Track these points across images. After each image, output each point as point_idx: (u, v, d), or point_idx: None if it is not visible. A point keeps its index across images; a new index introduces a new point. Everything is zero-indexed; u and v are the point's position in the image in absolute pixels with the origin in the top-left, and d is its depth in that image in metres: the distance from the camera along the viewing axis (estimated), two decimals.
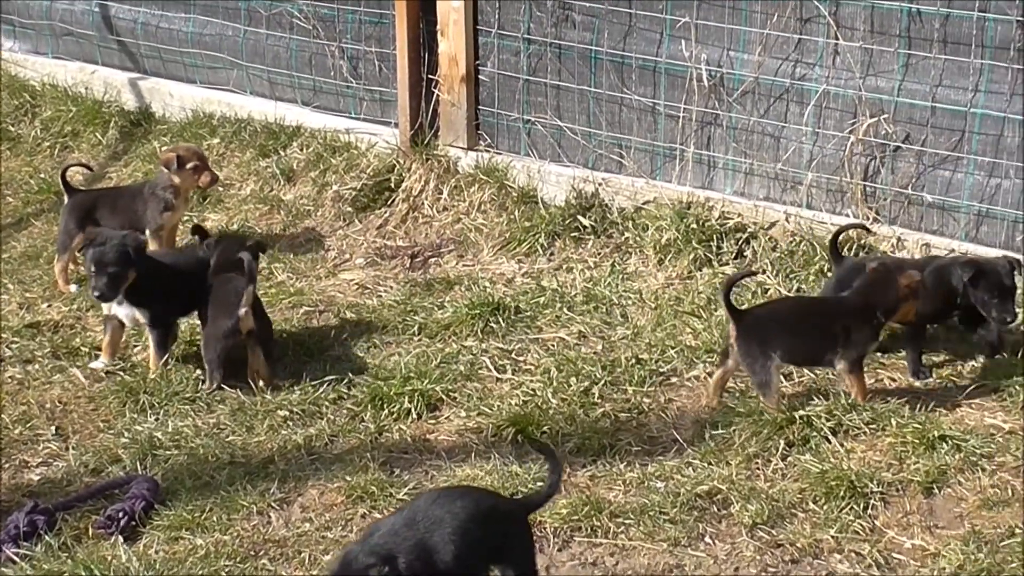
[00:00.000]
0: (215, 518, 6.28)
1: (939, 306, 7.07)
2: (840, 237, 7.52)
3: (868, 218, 8.01)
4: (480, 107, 9.17)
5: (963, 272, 6.93)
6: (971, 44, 7.68)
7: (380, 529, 5.22)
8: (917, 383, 7.00)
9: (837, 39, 8.01)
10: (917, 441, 6.53)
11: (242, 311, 7.20)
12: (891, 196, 8.02)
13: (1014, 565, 5.75)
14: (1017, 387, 6.91)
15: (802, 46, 8.15)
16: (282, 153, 9.50)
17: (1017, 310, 7.04)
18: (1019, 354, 7.10)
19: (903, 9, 7.80)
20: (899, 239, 7.92)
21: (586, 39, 8.75)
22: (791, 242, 8.07)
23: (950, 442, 6.52)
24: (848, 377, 6.78)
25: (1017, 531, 6.00)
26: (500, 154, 9.11)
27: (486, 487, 6.19)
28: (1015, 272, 6.97)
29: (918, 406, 6.81)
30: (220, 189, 9.32)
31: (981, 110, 7.72)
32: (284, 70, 9.92)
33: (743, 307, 7.03)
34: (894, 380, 7.09)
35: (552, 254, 8.47)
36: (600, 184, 8.71)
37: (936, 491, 6.29)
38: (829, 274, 7.59)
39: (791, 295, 7.64)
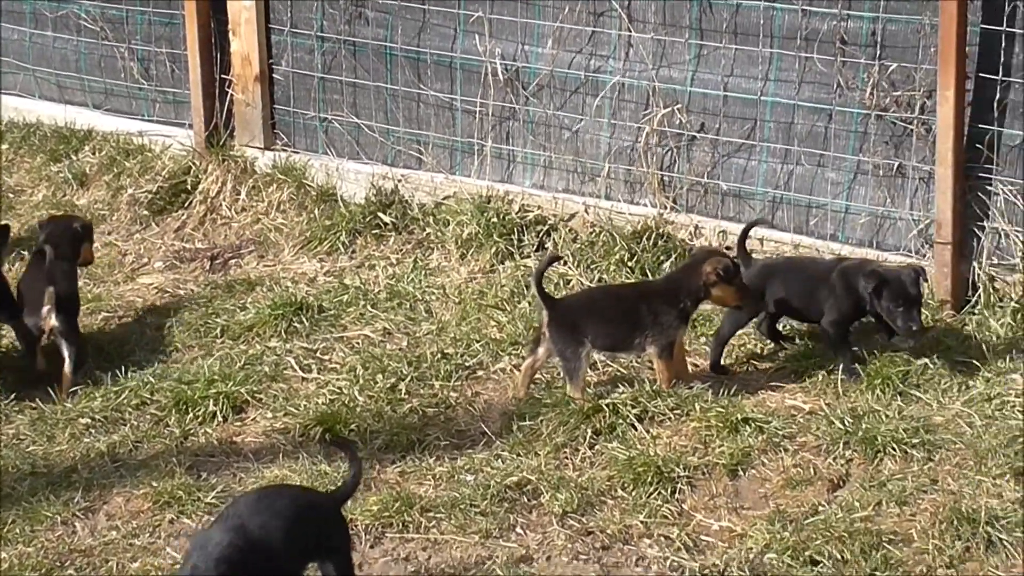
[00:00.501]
0: (17, 530, 6.12)
1: (850, 308, 6.97)
2: (748, 234, 7.41)
3: (665, 207, 8.09)
4: (276, 106, 9.09)
5: (866, 283, 6.82)
6: (759, 34, 7.81)
7: (211, 540, 5.10)
8: (851, 382, 6.88)
9: (630, 31, 8.09)
10: (721, 425, 6.61)
11: (44, 309, 7.06)
12: (687, 185, 8.11)
13: (818, 542, 5.85)
14: (815, 369, 7.02)
15: (595, 39, 8.21)
16: (74, 157, 9.32)
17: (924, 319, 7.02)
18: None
19: (693, 0, 7.88)
20: (696, 227, 8.03)
21: (380, 35, 8.71)
22: (591, 233, 8.13)
23: (753, 424, 6.61)
24: (656, 362, 6.84)
25: (820, 509, 6.11)
26: (298, 153, 9.04)
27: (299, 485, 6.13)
28: (919, 281, 6.84)
29: (721, 390, 6.89)
30: (11, 196, 9.09)
31: (772, 98, 7.86)
32: (73, 73, 9.72)
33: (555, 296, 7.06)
34: (696, 365, 7.17)
35: (354, 252, 8.41)
36: (400, 180, 8.69)
37: (741, 473, 6.37)
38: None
39: (603, 284, 7.65)
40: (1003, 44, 7.27)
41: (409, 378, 7.11)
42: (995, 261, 7.38)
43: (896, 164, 7.61)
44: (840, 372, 6.89)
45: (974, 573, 5.70)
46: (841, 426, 6.55)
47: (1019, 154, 7.34)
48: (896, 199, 7.64)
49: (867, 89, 7.58)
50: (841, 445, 6.45)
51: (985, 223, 7.41)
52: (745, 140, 7.95)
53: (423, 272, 8.16)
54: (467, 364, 7.26)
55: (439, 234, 8.34)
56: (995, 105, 7.33)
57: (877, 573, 5.72)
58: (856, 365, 6.92)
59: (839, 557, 5.79)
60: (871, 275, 6.84)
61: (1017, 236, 7.31)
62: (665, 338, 6.81)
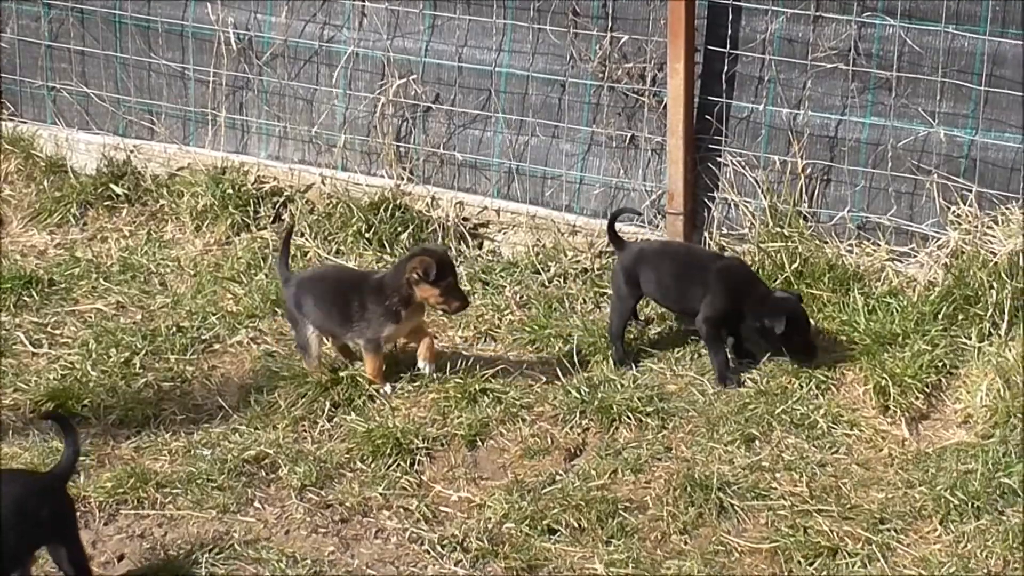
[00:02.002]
0: None
1: (729, 308, 6.69)
2: (616, 221, 7.13)
3: (402, 178, 8.00)
4: (1, 75, 8.70)
5: (775, 324, 6.51)
6: (493, 5, 7.75)
7: None
8: (724, 389, 6.65)
9: (363, 1, 7.95)
10: (459, 396, 6.56)
11: None
12: (424, 156, 8.03)
13: (556, 511, 5.86)
14: (553, 339, 7.01)
15: (328, 8, 8.06)
16: None
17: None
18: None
19: None
20: (433, 198, 7.95)
21: (109, 3, 8.43)
22: (328, 204, 7.99)
23: (491, 395, 6.58)
24: (364, 354, 6.62)
25: (557, 478, 6.11)
26: (25, 123, 8.69)
27: (23, 467, 5.89)
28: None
29: (459, 361, 6.83)
30: None
31: (506, 69, 7.81)
32: None
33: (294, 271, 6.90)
34: (435, 337, 7.09)
35: (85, 224, 8.13)
36: (132, 151, 8.43)
37: (480, 444, 6.34)
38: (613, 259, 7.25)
39: (342, 265, 7.48)
40: (730, 17, 7.35)
41: (144, 352, 6.90)
42: (725, 231, 7.46)
43: (629, 135, 7.64)
44: (715, 378, 6.66)
45: (707, 538, 5.77)
46: (578, 395, 6.56)
47: (747, 126, 7.44)
48: (629, 170, 7.67)
49: (599, 61, 7.58)
50: (578, 414, 6.47)
51: (715, 194, 7.50)
52: (480, 111, 7.90)
53: (157, 244, 7.93)
54: (203, 337, 7.08)
55: (173, 206, 8.11)
56: (723, 77, 7.41)
57: (613, 540, 5.74)
58: (729, 370, 6.67)
59: (576, 525, 5.80)
60: (777, 314, 6.54)
61: (746, 206, 7.40)
62: (372, 332, 6.52)
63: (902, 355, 6.60)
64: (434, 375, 6.61)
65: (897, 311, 6.86)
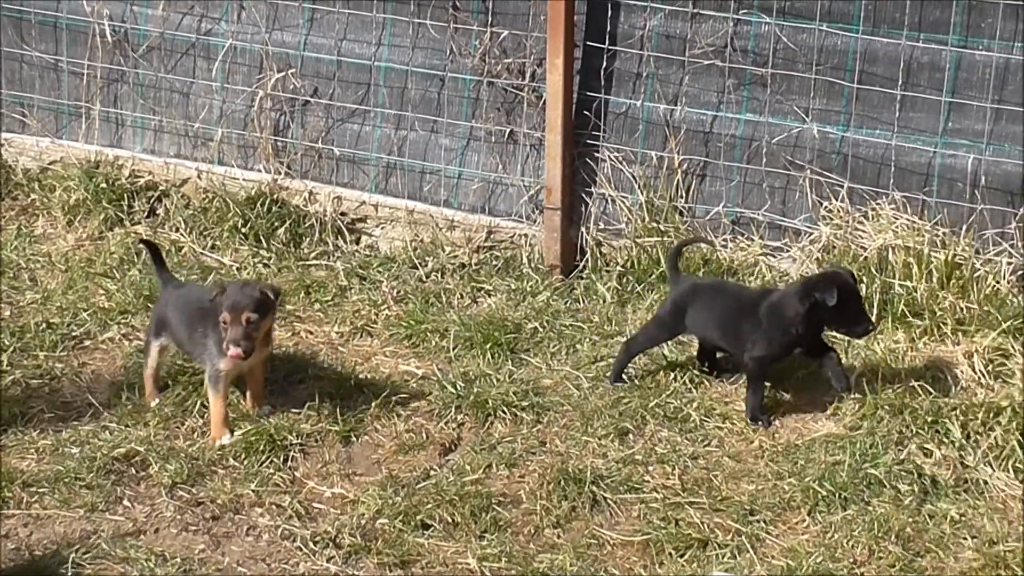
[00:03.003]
0: None
1: (780, 345, 6.42)
2: (681, 251, 6.95)
3: (279, 173, 8.01)
4: None
5: (826, 295, 6.24)
6: None
7: None
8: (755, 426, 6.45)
9: None
10: (335, 391, 6.59)
11: None
12: (302, 150, 8.05)
13: (430, 506, 5.90)
14: (429, 334, 7.06)
15: (206, 1, 8.05)
16: None
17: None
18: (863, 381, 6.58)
19: None
20: (311, 193, 7.98)
21: None
22: (204, 199, 8.00)
23: (367, 390, 6.61)
24: (209, 388, 6.31)
25: (432, 473, 6.16)
26: None
27: None
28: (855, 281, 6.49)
29: (335, 356, 6.87)
30: None
31: (385, 63, 7.85)
32: None
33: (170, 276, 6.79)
34: (311, 332, 7.12)
35: None
36: (2, 145, 8.36)
37: (354, 439, 6.37)
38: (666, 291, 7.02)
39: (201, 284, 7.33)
40: (609, 13, 7.44)
41: (12, 349, 6.86)
42: (602, 226, 7.55)
43: (508, 131, 7.71)
44: (747, 414, 6.44)
45: (579, 531, 5.83)
46: (453, 390, 6.61)
47: (625, 121, 7.53)
48: (508, 165, 7.74)
49: (479, 56, 7.64)
50: (453, 409, 6.52)
51: (593, 189, 7.58)
52: (359, 105, 7.93)
53: (27, 239, 7.88)
54: (74, 334, 7.05)
55: (45, 200, 8.07)
56: (602, 73, 7.50)
57: (487, 535, 5.79)
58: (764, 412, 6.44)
59: (449, 520, 5.84)
60: (824, 284, 6.31)
61: (623, 201, 7.49)
62: (210, 364, 6.27)
63: None
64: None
65: None
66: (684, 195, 7.43)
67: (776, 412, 6.49)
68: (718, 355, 6.72)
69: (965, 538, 5.70)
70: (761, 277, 7.17)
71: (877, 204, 7.08)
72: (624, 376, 6.65)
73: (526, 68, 7.61)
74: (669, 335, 6.70)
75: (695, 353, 6.82)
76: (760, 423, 6.37)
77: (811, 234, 7.18)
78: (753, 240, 7.31)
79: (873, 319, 6.51)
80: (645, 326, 6.74)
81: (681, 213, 7.42)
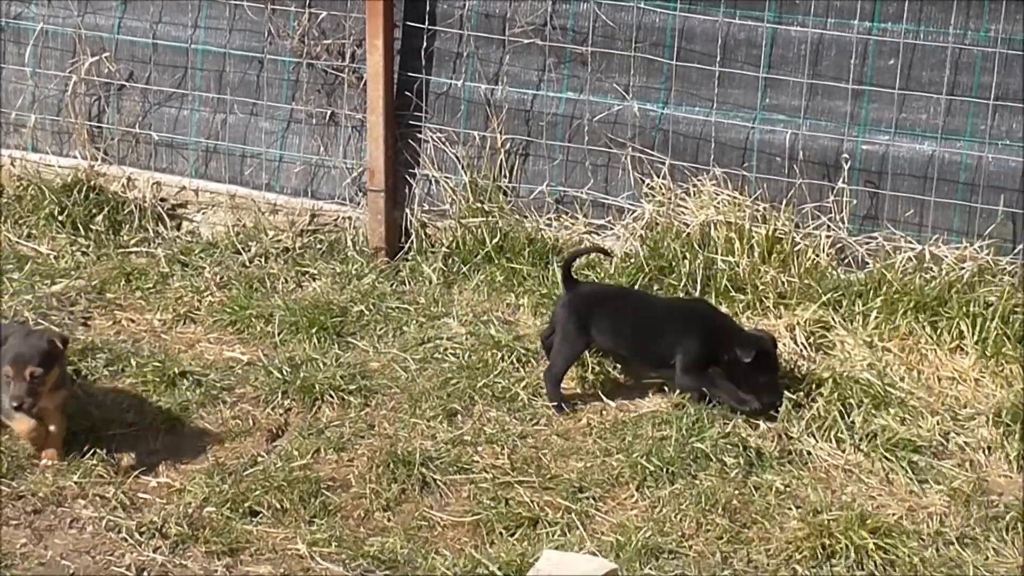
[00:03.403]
0: None
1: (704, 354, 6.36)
2: (575, 262, 6.74)
3: (96, 159, 7.89)
4: None
5: (743, 352, 6.20)
6: None
7: None
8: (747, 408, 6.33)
9: None
10: (158, 380, 6.52)
11: None
12: (118, 135, 7.93)
13: (258, 492, 5.85)
14: (255, 319, 7.01)
15: None
16: None
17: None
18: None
19: None
20: (129, 179, 7.87)
21: None
22: (18, 187, 7.85)
23: (191, 378, 6.55)
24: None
25: (259, 459, 6.12)
26: None
27: None
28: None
29: (158, 344, 6.79)
30: None
31: (202, 46, 7.76)
32: None
33: None
34: (133, 321, 7.03)
35: None
36: None
37: (179, 427, 6.30)
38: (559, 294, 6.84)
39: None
40: None
41: None
42: (426, 207, 7.56)
43: (329, 112, 7.67)
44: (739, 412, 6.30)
45: (410, 513, 5.83)
46: (279, 376, 6.57)
47: (447, 101, 7.53)
48: (330, 147, 7.70)
49: (298, 37, 7.58)
50: (280, 395, 6.48)
51: (416, 170, 7.58)
52: (176, 89, 7.84)
53: None
54: None
55: None
56: (423, 53, 7.49)
57: (316, 520, 5.76)
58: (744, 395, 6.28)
59: (278, 506, 5.81)
60: (750, 343, 6.26)
61: (447, 182, 7.50)
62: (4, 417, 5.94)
63: None
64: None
65: (596, 282, 6.99)
66: (508, 175, 7.45)
67: (604, 389, 6.57)
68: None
69: (790, 508, 5.80)
70: (586, 255, 7.17)
71: (698, 180, 7.15)
72: (565, 405, 6.41)
73: (346, 49, 7.57)
74: (583, 347, 6.47)
75: (524, 335, 6.85)
76: (747, 404, 6.24)
77: (634, 211, 7.23)
78: (577, 219, 7.35)
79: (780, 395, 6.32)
80: (556, 349, 6.47)
81: (505, 193, 7.44)
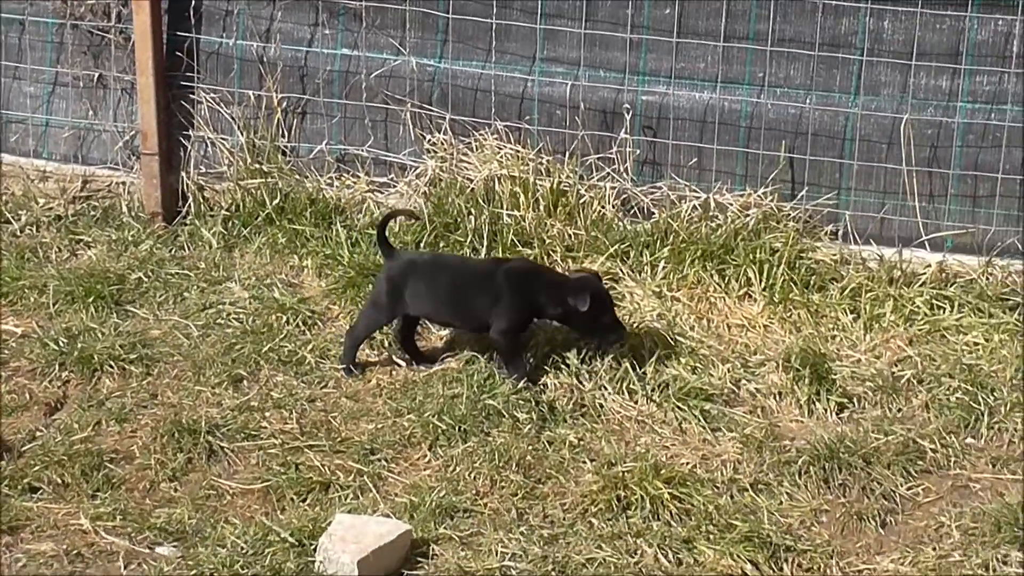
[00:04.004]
0: None
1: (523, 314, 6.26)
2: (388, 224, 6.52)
3: None
4: None
5: (577, 301, 6.08)
6: None
7: None
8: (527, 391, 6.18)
9: None
10: None
11: None
12: None
13: (37, 468, 5.66)
14: (27, 291, 6.79)
15: None
16: None
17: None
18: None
19: None
20: None
21: None
22: None
23: None
24: None
25: (38, 434, 5.93)
26: None
27: None
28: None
29: None
30: None
31: None
32: None
33: None
34: None
35: None
36: None
37: None
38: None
39: None
40: None
41: None
42: (203, 170, 7.40)
43: (96, 75, 7.47)
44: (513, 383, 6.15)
45: (197, 483, 5.70)
46: (56, 347, 6.37)
47: (219, 61, 7.37)
48: (99, 111, 7.51)
49: None
50: (57, 367, 6.29)
51: (191, 132, 7.42)
52: None
53: None
54: None
55: None
56: (192, 12, 7.33)
57: (99, 493, 5.59)
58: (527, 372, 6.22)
59: (60, 481, 5.63)
60: (580, 289, 6.14)
61: (223, 143, 7.35)
62: None
63: None
64: None
65: None
66: (286, 134, 7.34)
67: (394, 349, 6.49)
68: (417, 340, 6.48)
69: (584, 461, 5.80)
70: (369, 214, 7.12)
71: (480, 135, 7.10)
72: (355, 368, 6.31)
73: (111, 9, 7.39)
74: (389, 317, 6.32)
75: (309, 297, 6.75)
76: (528, 384, 6.14)
77: (417, 168, 7.18)
78: (359, 177, 7.27)
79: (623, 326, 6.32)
80: (363, 311, 6.37)
81: (284, 153, 7.34)
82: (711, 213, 6.88)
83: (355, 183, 7.26)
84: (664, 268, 6.74)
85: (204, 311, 6.71)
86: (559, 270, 6.65)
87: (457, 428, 5.93)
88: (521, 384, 6.13)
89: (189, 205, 7.37)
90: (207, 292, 6.84)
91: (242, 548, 5.29)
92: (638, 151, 7.01)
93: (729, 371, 6.30)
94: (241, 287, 6.87)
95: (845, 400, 6.17)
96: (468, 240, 6.90)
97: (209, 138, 7.38)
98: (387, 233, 6.38)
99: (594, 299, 6.13)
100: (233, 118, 7.34)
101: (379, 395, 6.22)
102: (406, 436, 5.94)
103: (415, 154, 7.21)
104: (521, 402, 6.06)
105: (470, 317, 6.27)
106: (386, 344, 6.51)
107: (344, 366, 6.31)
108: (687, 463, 5.80)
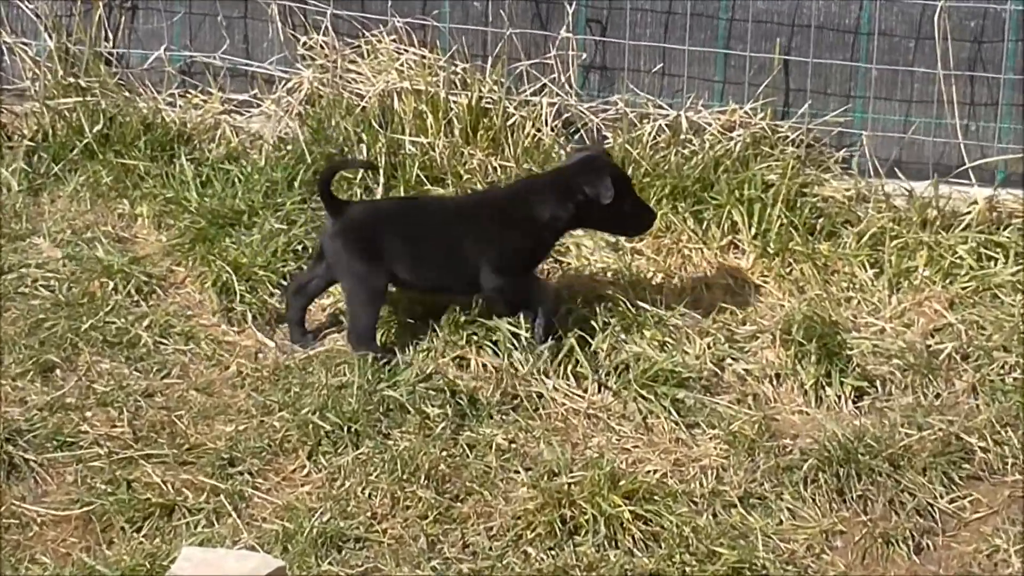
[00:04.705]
0: None
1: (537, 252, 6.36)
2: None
3: None
4: None
5: (599, 189, 6.11)
6: None
7: None
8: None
9: None
10: None
11: None
12: None
13: None
14: None
15: None
16: None
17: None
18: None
19: None
20: None
21: None
22: None
23: None
24: None
25: None
26: None
27: None
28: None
29: None
30: None
31: None
32: None
33: None
34: None
35: None
36: None
37: None
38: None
39: None
40: None
41: None
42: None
43: None
44: (539, 346, 6.21)
45: None
46: None
47: None
48: None
49: None
50: None
51: None
52: None
53: None
54: None
55: None
56: None
57: None
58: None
59: None
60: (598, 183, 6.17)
61: (24, 51, 7.41)
62: None
63: (250, 239, 6.68)
64: None
65: (240, 180, 6.95)
66: (111, 37, 7.39)
67: (262, 325, 6.49)
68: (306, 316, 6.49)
69: (517, 471, 5.78)
70: (226, 143, 7.14)
71: (374, 36, 7.15)
72: (385, 353, 6.26)
73: None
74: (385, 283, 6.28)
75: (145, 255, 6.73)
76: (553, 338, 6.23)
77: (288, 81, 7.23)
78: (212, 94, 7.33)
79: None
80: (350, 300, 6.34)
81: (108, 62, 7.37)
82: (683, 137, 6.92)
83: (206, 102, 7.32)
84: None
85: (1, 277, 6.67)
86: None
87: (346, 429, 5.89)
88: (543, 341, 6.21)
89: None
90: (5, 251, 6.82)
91: None
92: (584, 54, 7.07)
93: (710, 347, 6.30)
94: (51, 243, 6.87)
95: (865, 384, 6.18)
96: (358, 176, 6.89)
97: (6, 43, 7.41)
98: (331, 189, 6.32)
99: (615, 181, 6.16)
100: (38, 15, 7.37)
101: (241, 386, 6.20)
102: (277, 441, 5.90)
103: (286, 62, 7.27)
104: (432, 392, 6.05)
105: (460, 270, 6.30)
106: (249, 317, 6.49)
107: (380, 358, 6.20)
108: (655, 471, 5.79)
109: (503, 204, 6.33)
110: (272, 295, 6.58)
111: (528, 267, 6.33)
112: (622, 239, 6.72)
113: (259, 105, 7.25)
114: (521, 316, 6.26)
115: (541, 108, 7.01)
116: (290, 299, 6.45)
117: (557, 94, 7.04)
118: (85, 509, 5.59)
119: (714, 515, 5.63)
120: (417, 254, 6.29)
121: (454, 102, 6.98)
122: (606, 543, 5.48)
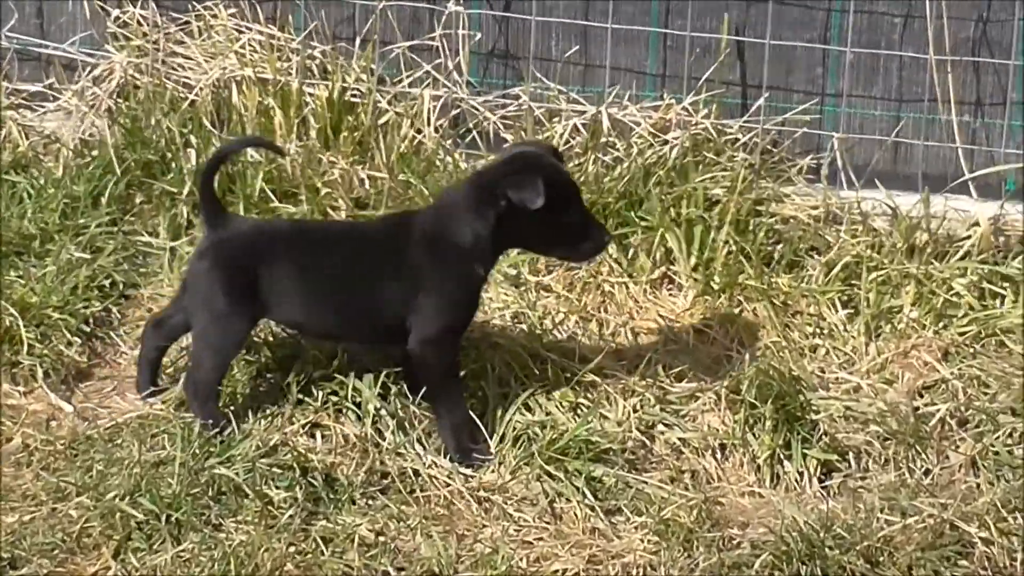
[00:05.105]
0: None
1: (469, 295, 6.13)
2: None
3: None
4: None
5: (522, 194, 5.87)
6: None
7: None
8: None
9: None
10: None
11: None
12: None
13: None
14: None
15: None
16: None
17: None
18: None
19: None
20: None
21: None
22: None
23: None
24: None
25: None
26: None
27: None
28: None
29: None
30: None
31: None
32: None
33: None
34: None
35: None
36: None
37: None
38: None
39: None
40: None
41: None
42: None
43: None
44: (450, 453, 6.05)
45: None
46: None
47: None
48: None
49: None
50: None
51: None
52: None
53: None
54: None
55: None
56: None
57: None
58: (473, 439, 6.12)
59: None
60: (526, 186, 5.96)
61: None
62: None
63: (41, 272, 6.65)
64: None
65: (29, 196, 6.97)
66: None
67: (55, 384, 6.24)
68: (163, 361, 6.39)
69: (387, 572, 5.59)
70: (12, 148, 7.10)
71: (207, 9, 7.21)
72: (219, 420, 6.08)
73: None
74: (248, 328, 6.14)
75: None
76: (474, 462, 6.05)
77: (95, 67, 7.18)
78: None
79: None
80: (198, 336, 6.20)
81: None
82: (603, 140, 6.89)
83: None
84: None
85: None
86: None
87: (164, 518, 5.65)
88: (457, 455, 6.05)
89: None
90: None
91: None
92: (478, 34, 7.15)
93: (636, 411, 6.20)
94: None
95: (834, 457, 6.12)
96: (184, 191, 6.77)
97: None
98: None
99: (551, 185, 5.88)
100: None
101: (26, 464, 5.96)
102: (74, 534, 5.64)
103: (92, 43, 7.26)
104: (278, 469, 5.84)
105: (370, 320, 6.14)
106: (39, 374, 6.30)
107: (208, 422, 6.06)
108: (564, 571, 5.64)
109: (427, 227, 6.05)
110: (70, 344, 6.39)
111: (464, 318, 6.06)
112: (524, 271, 6.60)
113: (56, 98, 7.24)
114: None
115: (423, 103, 7.01)
116: (146, 335, 6.26)
117: (443, 85, 7.07)
118: None
119: None
120: (311, 291, 6.07)
121: (310, 95, 7.01)
122: None
